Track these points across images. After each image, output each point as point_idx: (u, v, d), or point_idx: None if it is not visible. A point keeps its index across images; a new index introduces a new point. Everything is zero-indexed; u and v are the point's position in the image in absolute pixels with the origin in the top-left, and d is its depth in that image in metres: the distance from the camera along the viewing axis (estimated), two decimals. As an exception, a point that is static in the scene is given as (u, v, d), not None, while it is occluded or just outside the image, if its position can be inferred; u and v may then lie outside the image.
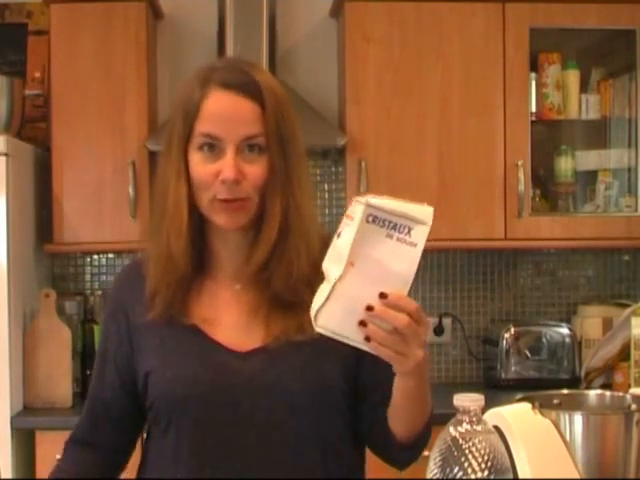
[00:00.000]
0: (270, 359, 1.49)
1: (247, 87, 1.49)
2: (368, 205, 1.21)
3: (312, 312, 1.25)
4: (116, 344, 1.59)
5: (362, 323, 1.23)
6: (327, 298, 1.23)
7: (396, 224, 1.22)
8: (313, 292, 1.46)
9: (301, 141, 1.55)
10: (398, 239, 1.22)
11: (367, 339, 1.24)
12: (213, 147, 1.48)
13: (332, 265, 1.25)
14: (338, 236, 1.25)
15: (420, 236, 1.23)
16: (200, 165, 1.49)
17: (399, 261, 1.23)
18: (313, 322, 1.24)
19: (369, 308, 1.22)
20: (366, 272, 1.22)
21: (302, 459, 1.49)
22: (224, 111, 1.48)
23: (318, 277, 1.28)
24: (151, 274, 1.54)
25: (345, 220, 1.25)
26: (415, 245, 1.23)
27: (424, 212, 1.23)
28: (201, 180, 1.49)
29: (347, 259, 1.22)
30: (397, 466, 1.59)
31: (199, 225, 1.53)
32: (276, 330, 1.49)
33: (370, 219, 1.21)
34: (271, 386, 1.48)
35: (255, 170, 1.48)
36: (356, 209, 1.23)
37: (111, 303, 1.64)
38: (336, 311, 1.23)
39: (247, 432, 1.48)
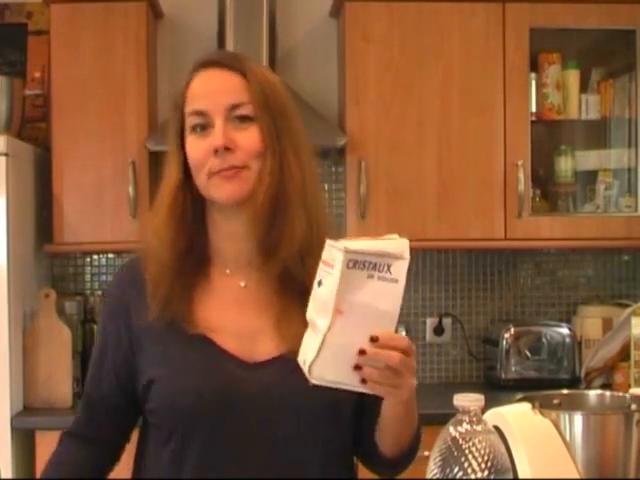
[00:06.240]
0: (280, 373, 1.45)
1: (229, 61, 1.50)
2: (347, 251, 1.19)
3: (304, 365, 1.24)
4: (115, 344, 1.56)
5: (357, 367, 1.22)
6: (319, 350, 1.21)
7: (376, 264, 1.20)
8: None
9: (295, 117, 1.53)
10: (379, 278, 1.21)
11: (363, 381, 1.24)
12: (204, 127, 1.48)
13: (318, 316, 1.23)
14: (319, 285, 1.24)
15: (400, 271, 1.22)
16: (194, 145, 1.49)
17: (384, 300, 1.22)
18: (307, 375, 1.23)
19: (362, 352, 1.21)
20: (354, 318, 1.21)
21: (306, 474, 1.48)
22: (207, 86, 1.50)
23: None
24: (151, 270, 1.52)
25: (323, 267, 1.24)
26: (397, 281, 1.22)
27: (400, 246, 1.22)
28: (197, 159, 1.48)
29: (333, 308, 1.20)
30: (384, 478, 1.61)
31: (200, 218, 1.52)
32: (288, 335, 1.44)
33: (351, 264, 1.19)
34: (280, 401, 1.45)
35: (247, 137, 1.47)
36: (334, 256, 1.21)
37: (111, 302, 1.62)
38: (329, 361, 1.22)
39: (251, 447, 1.46)
